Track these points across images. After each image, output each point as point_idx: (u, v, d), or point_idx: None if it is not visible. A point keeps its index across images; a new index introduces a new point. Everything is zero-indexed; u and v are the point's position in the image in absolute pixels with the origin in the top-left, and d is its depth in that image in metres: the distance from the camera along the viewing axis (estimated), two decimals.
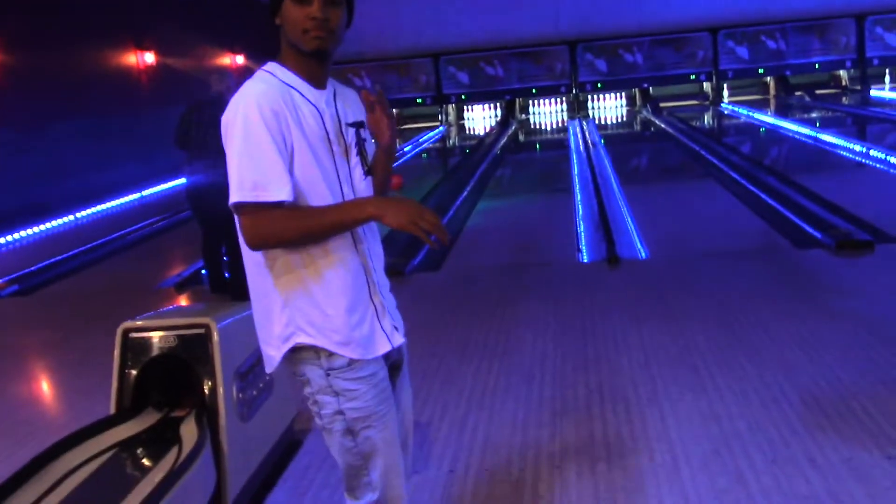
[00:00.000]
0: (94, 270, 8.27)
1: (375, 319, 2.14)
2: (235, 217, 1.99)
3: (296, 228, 1.97)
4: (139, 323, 3.12)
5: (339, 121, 2.11)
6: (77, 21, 12.32)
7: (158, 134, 14.13)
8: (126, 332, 3.08)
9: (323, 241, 2.02)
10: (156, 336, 3.07)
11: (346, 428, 2.11)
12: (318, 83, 2.08)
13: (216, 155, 6.17)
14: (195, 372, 3.01)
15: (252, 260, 2.09)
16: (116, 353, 3.06)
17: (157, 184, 12.92)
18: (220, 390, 2.97)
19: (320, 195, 2.01)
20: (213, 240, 6.33)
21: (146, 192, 12.54)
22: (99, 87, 12.84)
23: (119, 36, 13.62)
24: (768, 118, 17.02)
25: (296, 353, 2.09)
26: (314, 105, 2.05)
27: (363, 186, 2.15)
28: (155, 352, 3.07)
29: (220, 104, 6.34)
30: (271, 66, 2.08)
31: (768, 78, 21.19)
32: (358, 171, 2.13)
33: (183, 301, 6.62)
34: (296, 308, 2.06)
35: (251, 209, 1.93)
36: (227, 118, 1.97)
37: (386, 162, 2.21)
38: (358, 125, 2.15)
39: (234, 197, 1.94)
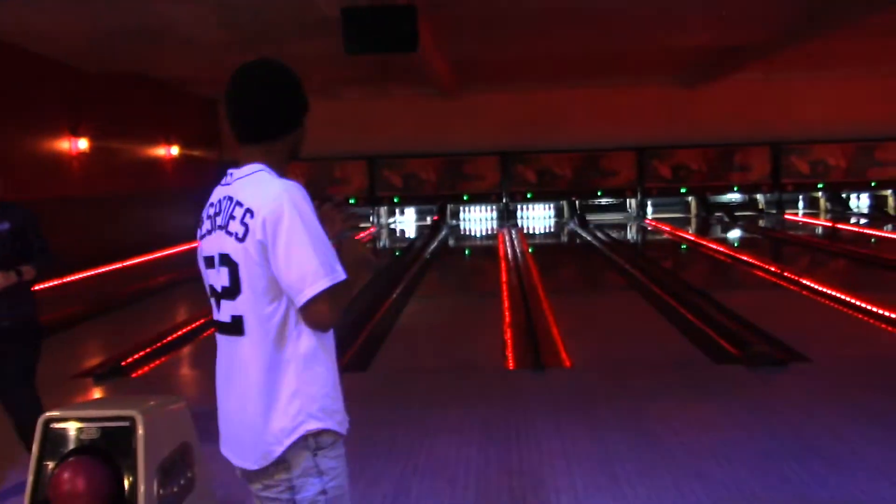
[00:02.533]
0: None
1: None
2: (312, 305, 2.07)
3: (349, 290, 2.13)
4: (61, 413, 3.07)
5: None
6: (11, 103, 12.29)
7: (86, 219, 14.05)
8: (47, 422, 3.02)
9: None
10: (78, 427, 3.02)
11: None
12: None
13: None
14: (116, 465, 2.96)
15: (268, 361, 2.13)
16: (36, 444, 2.99)
17: (78, 271, 12.70)
18: (142, 486, 2.91)
19: None
20: (20, 386, 4.56)
21: (67, 279, 12.29)
22: (29, 170, 12.71)
23: (54, 121, 13.59)
24: (689, 236, 17.67)
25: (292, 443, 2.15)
26: None
27: None
28: (75, 444, 3.00)
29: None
30: (265, 167, 2.20)
31: (690, 197, 22.12)
32: None
33: (97, 393, 6.45)
34: (306, 396, 2.14)
35: (331, 290, 2.06)
36: (274, 213, 2.06)
37: None
38: None
39: (324, 283, 2.04)
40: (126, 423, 2.99)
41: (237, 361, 2.17)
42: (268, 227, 2.06)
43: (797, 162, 21.54)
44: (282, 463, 2.15)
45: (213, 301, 2.25)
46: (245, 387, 2.16)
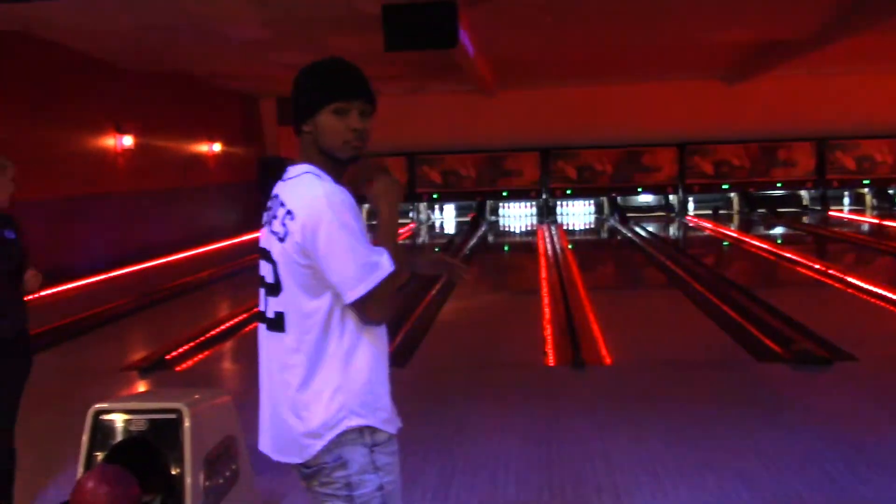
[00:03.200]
0: (56, 351, 8.17)
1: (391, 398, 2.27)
2: (358, 306, 2.09)
3: (393, 284, 2.13)
4: (110, 405, 3.14)
5: None
6: (60, 103, 12.52)
7: (131, 214, 14.28)
8: (97, 413, 3.09)
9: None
10: (126, 419, 3.08)
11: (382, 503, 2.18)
12: (341, 182, 2.22)
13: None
14: (164, 457, 3.01)
15: (310, 358, 2.14)
16: (85, 435, 3.06)
17: (126, 265, 12.93)
18: (188, 478, 2.97)
19: None
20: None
21: (114, 273, 12.50)
22: (76, 166, 12.95)
23: (100, 119, 13.82)
24: (732, 232, 17.47)
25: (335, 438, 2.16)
26: None
27: None
28: (124, 435, 3.07)
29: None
30: (313, 168, 2.19)
31: (732, 194, 21.85)
32: None
33: (141, 386, 6.56)
34: (349, 392, 2.14)
35: (373, 291, 2.07)
36: (312, 218, 2.07)
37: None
38: None
39: (363, 288, 2.06)
40: (173, 416, 3.05)
41: (279, 357, 2.19)
42: (307, 231, 2.08)
43: (843, 158, 21.15)
44: (338, 460, 2.15)
45: (262, 292, 2.27)
46: (286, 383, 2.18)
